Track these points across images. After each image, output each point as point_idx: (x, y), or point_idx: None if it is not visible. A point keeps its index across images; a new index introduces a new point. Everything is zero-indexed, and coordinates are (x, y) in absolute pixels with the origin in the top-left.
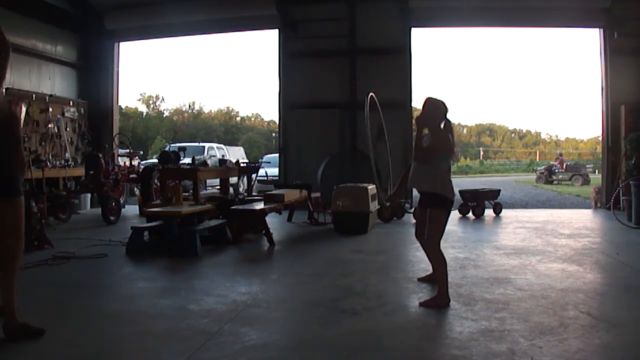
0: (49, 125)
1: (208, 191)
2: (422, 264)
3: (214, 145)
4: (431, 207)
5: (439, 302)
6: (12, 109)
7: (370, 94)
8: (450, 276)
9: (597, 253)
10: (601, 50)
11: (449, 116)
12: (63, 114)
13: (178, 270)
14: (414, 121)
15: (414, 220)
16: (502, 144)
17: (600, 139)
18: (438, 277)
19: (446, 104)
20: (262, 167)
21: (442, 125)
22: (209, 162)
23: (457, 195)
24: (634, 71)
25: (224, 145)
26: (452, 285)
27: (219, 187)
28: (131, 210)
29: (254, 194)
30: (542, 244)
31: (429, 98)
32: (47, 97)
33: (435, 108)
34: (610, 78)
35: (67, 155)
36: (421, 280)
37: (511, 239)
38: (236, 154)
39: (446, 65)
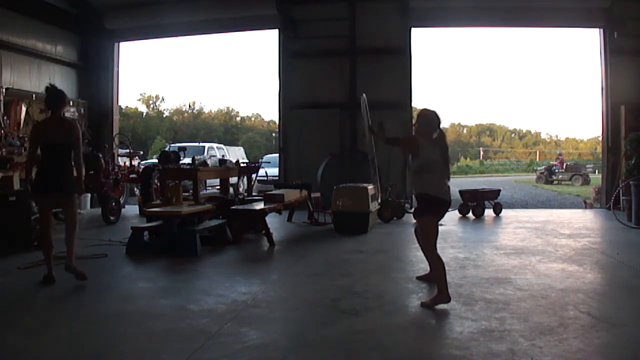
0: None
1: (208, 191)
2: (422, 264)
3: (214, 145)
4: (417, 215)
5: (439, 302)
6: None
7: (363, 95)
8: (450, 276)
9: (597, 253)
10: (601, 50)
11: (442, 126)
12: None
13: (178, 270)
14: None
15: (414, 221)
16: (502, 144)
17: (600, 139)
18: (437, 277)
19: (439, 115)
20: (262, 167)
21: (434, 135)
22: (209, 162)
23: (457, 195)
24: (634, 71)
25: (224, 145)
26: (452, 285)
27: (219, 187)
28: (131, 210)
29: (254, 194)
30: (542, 244)
31: (422, 110)
32: None
33: (428, 120)
34: (610, 78)
35: None
36: (420, 279)
37: (511, 239)
38: (236, 154)
39: (446, 65)
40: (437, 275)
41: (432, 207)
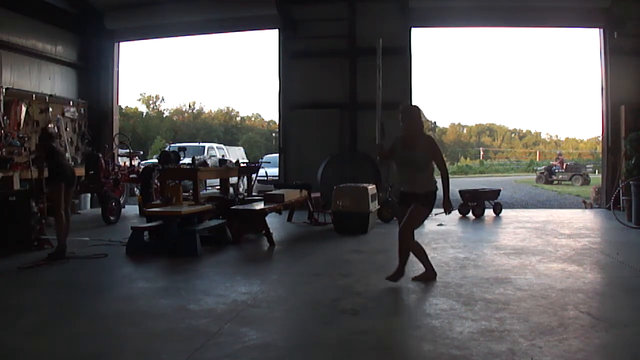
0: (49, 125)
1: (208, 191)
2: (421, 264)
3: (214, 145)
4: (420, 204)
5: (428, 277)
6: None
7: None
8: (450, 276)
9: (597, 253)
10: (601, 50)
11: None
12: (63, 114)
13: (178, 270)
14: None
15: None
16: (502, 144)
17: (600, 139)
18: (420, 258)
19: (419, 107)
20: (262, 167)
21: (422, 128)
22: (209, 162)
23: (457, 195)
24: (634, 71)
25: (224, 145)
26: (452, 285)
27: (219, 187)
28: (131, 210)
29: (254, 194)
30: (542, 244)
31: (407, 106)
32: (47, 97)
33: (417, 113)
34: (610, 78)
35: (67, 155)
36: (416, 279)
37: (511, 239)
38: (236, 154)
39: (446, 65)
40: (419, 255)
41: (434, 200)
